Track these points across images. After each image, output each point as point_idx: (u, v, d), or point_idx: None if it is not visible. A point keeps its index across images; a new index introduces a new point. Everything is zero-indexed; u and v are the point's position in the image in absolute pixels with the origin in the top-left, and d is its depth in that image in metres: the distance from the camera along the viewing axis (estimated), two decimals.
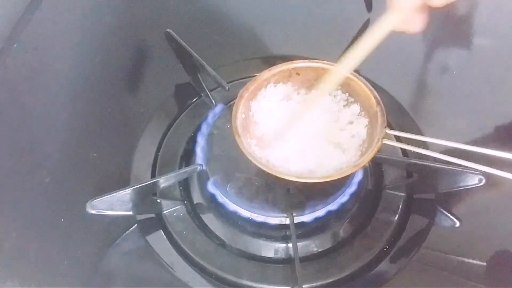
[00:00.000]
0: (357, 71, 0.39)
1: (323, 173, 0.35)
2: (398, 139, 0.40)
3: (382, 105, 0.36)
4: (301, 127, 0.38)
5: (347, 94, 0.39)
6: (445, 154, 0.34)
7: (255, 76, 0.39)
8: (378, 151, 0.35)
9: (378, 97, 0.37)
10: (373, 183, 0.42)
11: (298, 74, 0.40)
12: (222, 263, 0.37)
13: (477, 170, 0.33)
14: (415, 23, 0.31)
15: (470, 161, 0.33)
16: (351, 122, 0.38)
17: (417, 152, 0.42)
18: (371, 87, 0.37)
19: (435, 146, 0.36)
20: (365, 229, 0.39)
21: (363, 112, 0.38)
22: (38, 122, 0.47)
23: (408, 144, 0.37)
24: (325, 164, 0.36)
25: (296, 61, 0.39)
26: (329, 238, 0.39)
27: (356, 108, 0.38)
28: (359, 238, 0.38)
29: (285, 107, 0.39)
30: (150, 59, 0.54)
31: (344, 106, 0.39)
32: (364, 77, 0.38)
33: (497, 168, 0.32)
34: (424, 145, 0.38)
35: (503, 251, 0.38)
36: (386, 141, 0.35)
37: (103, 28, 0.56)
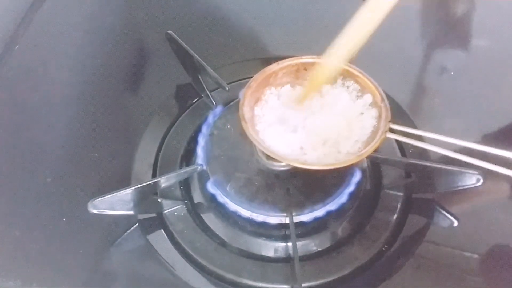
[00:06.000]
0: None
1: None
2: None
3: (386, 101, 0.37)
4: (305, 119, 0.39)
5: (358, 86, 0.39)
6: (446, 155, 0.34)
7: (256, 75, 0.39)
8: (381, 144, 0.35)
9: (383, 93, 0.37)
10: (372, 183, 0.42)
11: (305, 69, 0.40)
12: (222, 262, 0.37)
13: (476, 169, 0.34)
14: None
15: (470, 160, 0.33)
16: (360, 114, 0.38)
17: (416, 152, 0.42)
18: (376, 84, 0.38)
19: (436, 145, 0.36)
20: (364, 229, 0.39)
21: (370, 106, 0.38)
22: (40, 123, 0.47)
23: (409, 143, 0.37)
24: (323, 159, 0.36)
25: (305, 57, 0.40)
26: (328, 238, 0.39)
27: (368, 98, 0.38)
28: (358, 238, 0.38)
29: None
30: (151, 60, 0.54)
31: (357, 97, 0.39)
32: None
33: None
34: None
35: (501, 250, 0.38)
36: (390, 135, 0.36)
37: (105, 29, 0.56)
